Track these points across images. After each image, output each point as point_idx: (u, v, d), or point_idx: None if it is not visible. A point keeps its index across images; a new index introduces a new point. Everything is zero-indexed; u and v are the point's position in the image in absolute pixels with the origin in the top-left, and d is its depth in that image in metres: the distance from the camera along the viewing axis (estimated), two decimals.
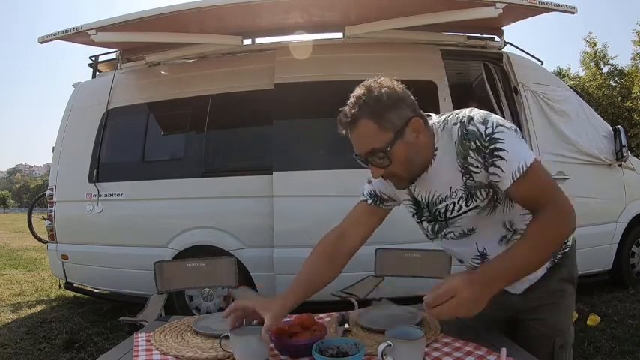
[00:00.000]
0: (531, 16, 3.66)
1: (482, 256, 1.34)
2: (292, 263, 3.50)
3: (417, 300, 2.22)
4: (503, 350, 1.20)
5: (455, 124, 1.18)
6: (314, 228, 3.54)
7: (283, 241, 3.50)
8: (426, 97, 3.64)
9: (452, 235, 1.34)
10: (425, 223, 1.38)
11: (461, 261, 1.43)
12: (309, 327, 1.35)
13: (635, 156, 5.30)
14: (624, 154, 4.14)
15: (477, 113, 1.17)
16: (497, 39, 4.04)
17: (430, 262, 2.63)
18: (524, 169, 1.09)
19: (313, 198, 3.57)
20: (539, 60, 4.45)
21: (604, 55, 18.40)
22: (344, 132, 1.21)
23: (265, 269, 3.53)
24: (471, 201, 1.24)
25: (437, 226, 1.35)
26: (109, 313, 4.20)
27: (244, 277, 3.45)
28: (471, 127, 1.14)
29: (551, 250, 1.15)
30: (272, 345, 1.31)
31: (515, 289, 1.37)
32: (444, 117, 1.24)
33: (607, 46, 18.50)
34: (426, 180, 1.27)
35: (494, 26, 3.87)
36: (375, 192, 1.47)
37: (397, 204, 1.47)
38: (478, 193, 1.22)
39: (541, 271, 1.33)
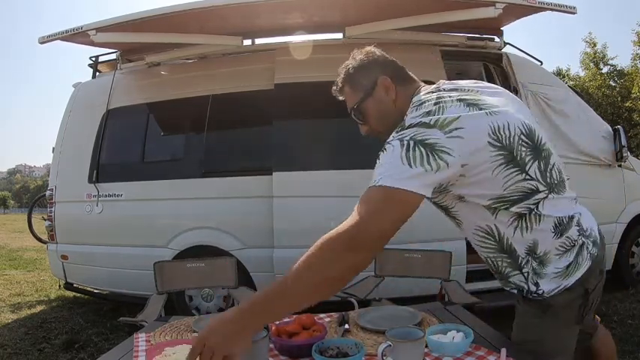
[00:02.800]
0: (530, 15, 3.66)
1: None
2: (292, 264, 3.51)
3: (416, 300, 2.22)
4: (503, 351, 1.20)
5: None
6: (314, 228, 3.54)
7: (283, 241, 3.50)
8: None
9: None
10: None
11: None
12: (309, 327, 1.35)
13: (635, 156, 5.29)
14: (624, 155, 4.13)
15: (423, 110, 1.09)
16: (496, 39, 4.04)
17: (430, 263, 2.63)
18: (371, 184, 1.04)
19: (313, 198, 3.57)
20: (539, 60, 4.45)
21: (604, 56, 18.38)
22: (340, 98, 1.35)
23: (265, 270, 3.52)
24: None
25: None
26: (109, 313, 4.19)
27: (244, 278, 3.45)
28: (407, 115, 1.13)
29: (309, 279, 0.99)
30: (272, 345, 1.31)
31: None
32: (431, 93, 1.17)
33: (607, 46, 18.48)
34: None
35: (493, 26, 3.87)
36: None
37: None
38: None
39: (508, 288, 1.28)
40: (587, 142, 4.04)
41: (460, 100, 1.09)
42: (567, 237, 1.17)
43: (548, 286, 1.18)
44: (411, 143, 1.02)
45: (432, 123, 1.04)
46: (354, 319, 1.57)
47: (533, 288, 1.19)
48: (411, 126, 1.06)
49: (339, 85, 1.32)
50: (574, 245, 1.18)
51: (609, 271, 4.17)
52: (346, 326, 1.50)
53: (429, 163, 1.00)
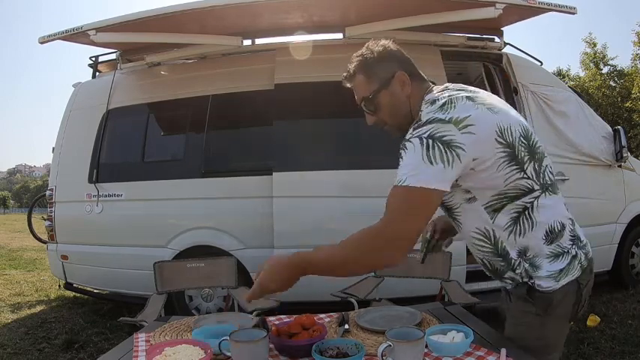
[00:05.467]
0: (531, 17, 3.66)
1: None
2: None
3: (416, 300, 2.23)
4: (503, 351, 1.20)
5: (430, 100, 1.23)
6: (314, 228, 3.57)
7: (283, 241, 3.50)
8: None
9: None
10: None
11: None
12: (309, 327, 1.35)
13: (634, 157, 5.30)
14: (624, 155, 4.14)
15: (438, 105, 1.17)
16: (497, 39, 4.04)
17: (430, 263, 2.63)
18: (398, 184, 1.11)
19: (313, 198, 3.57)
20: (539, 60, 4.45)
21: (604, 56, 18.35)
22: (348, 85, 1.37)
23: None
24: None
25: None
26: (109, 313, 4.19)
27: (244, 278, 3.44)
28: (422, 111, 1.21)
29: (337, 268, 1.17)
30: (272, 345, 1.31)
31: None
32: (443, 92, 1.25)
33: (607, 46, 18.44)
34: None
35: (494, 27, 3.87)
36: None
37: None
38: None
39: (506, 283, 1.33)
40: (587, 142, 4.04)
41: (469, 98, 1.17)
42: (558, 244, 1.23)
43: (544, 283, 1.22)
44: (430, 142, 1.09)
45: (447, 119, 1.11)
46: (354, 319, 1.57)
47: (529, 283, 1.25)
48: (428, 122, 1.13)
49: (352, 72, 1.33)
50: (565, 252, 1.24)
51: (609, 271, 4.17)
52: (346, 326, 1.50)
53: (447, 159, 1.08)
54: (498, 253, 1.26)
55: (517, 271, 1.25)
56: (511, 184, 1.16)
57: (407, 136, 1.16)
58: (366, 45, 1.33)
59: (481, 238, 1.26)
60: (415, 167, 1.09)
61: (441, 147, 1.08)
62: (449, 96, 1.18)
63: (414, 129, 1.15)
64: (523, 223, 1.20)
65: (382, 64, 1.30)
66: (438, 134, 1.09)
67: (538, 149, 1.21)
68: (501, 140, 1.13)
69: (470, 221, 1.26)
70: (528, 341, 1.26)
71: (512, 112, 1.24)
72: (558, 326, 1.27)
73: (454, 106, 1.14)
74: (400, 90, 1.29)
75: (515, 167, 1.15)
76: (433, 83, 1.34)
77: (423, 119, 1.15)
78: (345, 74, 1.36)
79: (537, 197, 1.19)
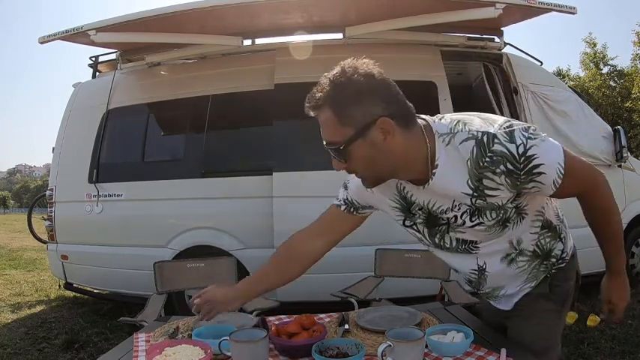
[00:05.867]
0: (531, 18, 3.66)
1: (481, 270, 1.29)
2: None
3: (416, 300, 2.23)
4: (503, 351, 1.20)
5: (467, 139, 1.04)
6: None
7: (283, 241, 3.49)
8: (426, 97, 3.64)
9: (450, 244, 1.24)
10: (420, 226, 1.26)
11: (456, 270, 1.38)
12: (308, 327, 1.36)
13: (635, 157, 5.29)
14: (624, 155, 4.13)
15: (499, 129, 1.03)
16: (497, 39, 4.04)
17: (430, 263, 2.63)
18: (562, 172, 1.05)
19: (313, 199, 3.56)
20: (539, 60, 4.45)
21: (604, 56, 18.36)
22: (312, 114, 1.10)
23: None
24: (476, 218, 1.14)
25: (434, 231, 1.24)
26: (109, 313, 4.19)
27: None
28: (497, 148, 1.02)
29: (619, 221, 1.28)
30: (272, 346, 1.32)
31: (506, 307, 1.37)
32: (446, 126, 1.08)
33: (607, 46, 18.46)
34: (424, 193, 1.15)
35: (494, 27, 3.87)
36: (349, 199, 1.39)
37: (374, 210, 1.38)
38: (487, 213, 1.13)
39: (527, 288, 1.31)
40: (587, 142, 4.04)
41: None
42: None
43: (569, 243, 1.35)
44: (524, 131, 1.04)
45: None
46: (354, 319, 1.57)
47: (567, 250, 1.33)
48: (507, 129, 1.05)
49: (319, 101, 1.05)
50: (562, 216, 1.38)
51: None
52: (346, 326, 1.50)
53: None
54: (544, 225, 1.25)
55: (562, 235, 1.31)
56: None
57: (519, 151, 1.01)
58: (342, 65, 1.03)
59: (538, 218, 1.23)
60: (549, 144, 1.05)
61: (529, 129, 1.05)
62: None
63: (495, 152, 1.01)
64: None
65: (361, 103, 1.01)
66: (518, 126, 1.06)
67: None
68: None
69: (533, 206, 1.19)
70: (543, 341, 1.30)
71: None
72: (563, 320, 1.36)
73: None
74: (382, 140, 1.03)
75: None
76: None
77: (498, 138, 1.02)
78: (309, 102, 1.08)
79: None
